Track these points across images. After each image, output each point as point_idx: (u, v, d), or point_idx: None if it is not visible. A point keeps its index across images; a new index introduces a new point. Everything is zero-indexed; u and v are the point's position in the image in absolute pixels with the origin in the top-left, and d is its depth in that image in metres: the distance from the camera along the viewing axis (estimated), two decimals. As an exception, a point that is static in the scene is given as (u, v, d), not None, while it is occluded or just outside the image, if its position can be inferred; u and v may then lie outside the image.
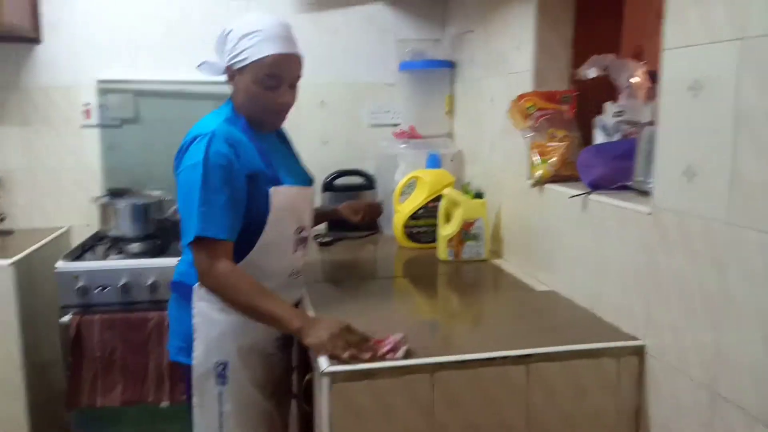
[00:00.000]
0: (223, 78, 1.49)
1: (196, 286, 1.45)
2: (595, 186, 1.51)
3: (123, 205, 2.19)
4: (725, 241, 1.05)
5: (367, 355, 1.19)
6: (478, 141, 2.22)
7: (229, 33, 1.43)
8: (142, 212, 2.20)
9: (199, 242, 1.33)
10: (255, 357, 1.50)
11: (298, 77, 1.48)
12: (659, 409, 1.23)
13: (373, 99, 2.55)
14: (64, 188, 2.43)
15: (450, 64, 2.41)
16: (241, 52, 1.40)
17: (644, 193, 1.38)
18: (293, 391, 1.76)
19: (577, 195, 1.49)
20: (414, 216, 2.10)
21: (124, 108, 2.41)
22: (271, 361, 1.57)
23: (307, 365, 1.72)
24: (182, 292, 1.49)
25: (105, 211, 2.20)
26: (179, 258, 1.59)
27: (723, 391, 1.06)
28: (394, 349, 1.21)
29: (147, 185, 2.41)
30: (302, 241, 1.57)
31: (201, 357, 1.45)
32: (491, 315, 1.57)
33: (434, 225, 2.08)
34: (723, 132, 1.05)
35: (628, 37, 1.88)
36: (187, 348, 1.47)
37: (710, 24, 1.07)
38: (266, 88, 1.42)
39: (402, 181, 2.13)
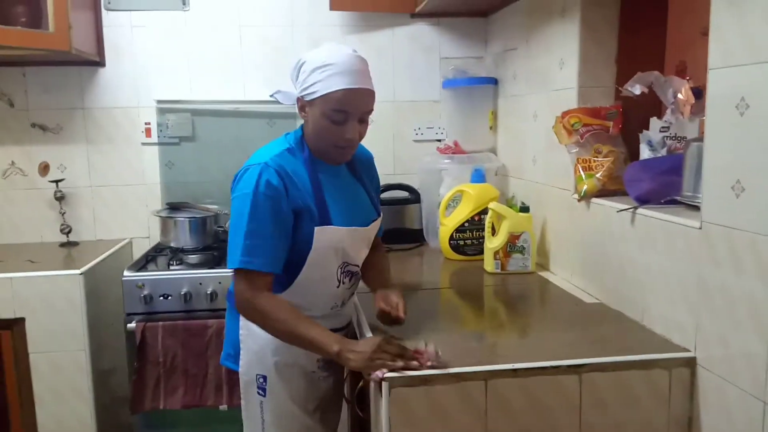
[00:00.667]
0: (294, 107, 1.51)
1: None
2: (643, 200, 1.54)
3: (182, 218, 2.30)
4: (774, 254, 1.08)
5: (413, 364, 1.25)
6: (521, 156, 2.26)
7: (302, 64, 1.44)
8: (200, 225, 2.31)
9: (240, 272, 1.39)
10: (294, 374, 1.53)
11: (368, 112, 1.47)
12: (711, 419, 1.26)
13: (417, 115, 2.63)
14: (125, 202, 2.56)
15: (493, 81, 2.47)
16: (312, 84, 1.40)
17: (692, 207, 1.41)
18: (347, 400, 1.82)
19: (625, 209, 1.53)
20: (460, 229, 2.16)
21: (182, 127, 2.54)
22: (313, 378, 1.57)
23: (360, 372, 1.79)
24: (232, 303, 1.53)
25: (165, 224, 2.32)
26: None
27: (774, 402, 1.09)
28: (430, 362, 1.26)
29: (203, 199, 2.53)
30: (348, 275, 1.55)
31: (245, 367, 1.52)
32: (541, 326, 1.61)
33: (480, 238, 2.14)
34: (771, 149, 1.08)
35: (671, 53, 1.91)
36: (235, 355, 1.55)
37: (754, 45, 1.11)
38: (334, 122, 1.41)
39: (448, 195, 2.19)
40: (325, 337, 1.36)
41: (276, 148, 1.47)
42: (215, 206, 2.46)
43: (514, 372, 1.25)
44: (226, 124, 2.58)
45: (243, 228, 1.37)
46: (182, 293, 2.06)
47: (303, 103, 1.46)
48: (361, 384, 1.71)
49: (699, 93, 1.74)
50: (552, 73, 1.98)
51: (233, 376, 1.73)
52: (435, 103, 2.62)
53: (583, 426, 1.28)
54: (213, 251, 2.32)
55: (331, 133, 1.43)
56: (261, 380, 1.51)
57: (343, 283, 1.55)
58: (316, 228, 1.43)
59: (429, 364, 1.25)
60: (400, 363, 1.25)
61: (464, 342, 1.47)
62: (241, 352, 1.53)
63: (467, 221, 2.15)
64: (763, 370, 1.11)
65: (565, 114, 1.80)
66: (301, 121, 1.51)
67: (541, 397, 1.27)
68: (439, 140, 2.61)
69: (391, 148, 2.63)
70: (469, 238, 2.16)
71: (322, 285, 1.51)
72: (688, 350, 1.32)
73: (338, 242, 1.48)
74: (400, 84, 2.62)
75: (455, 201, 2.22)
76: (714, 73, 1.23)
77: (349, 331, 1.67)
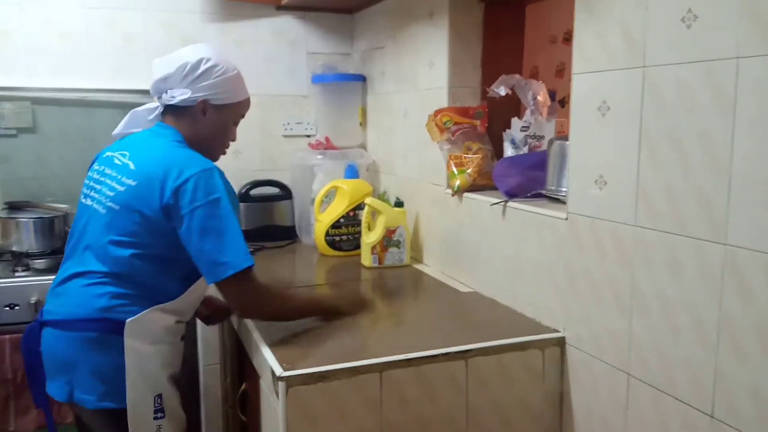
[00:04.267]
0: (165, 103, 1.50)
1: (130, 320, 1.36)
2: (511, 194, 1.66)
3: (26, 218, 2.07)
4: (632, 241, 1.22)
5: None
6: (391, 152, 2.32)
7: (211, 67, 1.46)
8: (48, 226, 2.10)
9: (246, 272, 1.36)
10: (177, 381, 1.49)
11: None
12: (580, 393, 1.39)
13: (285, 110, 2.59)
14: (-50, 202, 2.24)
15: (361, 78, 2.51)
16: (227, 90, 1.49)
17: (556, 200, 1.55)
18: (229, 406, 1.76)
19: (498, 203, 1.63)
20: (335, 225, 2.17)
21: (20, 117, 2.27)
22: (180, 380, 1.54)
23: (241, 376, 1.74)
24: (106, 329, 1.37)
25: (5, 225, 2.07)
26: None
27: (635, 373, 1.23)
28: None
29: (44, 198, 2.29)
30: None
31: (138, 396, 1.38)
32: (423, 316, 1.66)
33: (355, 233, 2.16)
34: (629, 147, 1.22)
35: (526, 58, 2.07)
36: (115, 391, 1.37)
37: (612, 53, 1.24)
38: (234, 124, 1.57)
39: (322, 191, 2.19)
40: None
41: (184, 150, 1.44)
42: (64, 205, 2.23)
43: (408, 362, 1.29)
44: (71, 113, 2.35)
45: (234, 232, 1.36)
46: (32, 302, 1.84)
47: (206, 106, 1.48)
48: (243, 387, 1.67)
49: (553, 96, 1.91)
50: (421, 72, 2.05)
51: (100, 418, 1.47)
52: (303, 98, 2.60)
53: (470, 408, 1.36)
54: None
55: (231, 136, 1.58)
56: (158, 402, 1.40)
57: None
58: None
59: None
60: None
61: (353, 336, 1.48)
62: (129, 381, 1.36)
63: (343, 217, 2.16)
64: (625, 345, 1.25)
65: (437, 112, 1.87)
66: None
67: (432, 385, 1.32)
68: (309, 136, 2.59)
69: (259, 143, 2.56)
70: (344, 233, 2.18)
71: (204, 286, 1.48)
72: (558, 330, 1.44)
73: None
74: (266, 78, 2.55)
75: (329, 197, 2.22)
76: (577, 77, 1.35)
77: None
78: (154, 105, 1.53)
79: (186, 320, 1.52)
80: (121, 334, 1.35)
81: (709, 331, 1.07)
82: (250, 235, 2.39)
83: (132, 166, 1.40)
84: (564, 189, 1.49)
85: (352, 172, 2.23)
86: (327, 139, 2.44)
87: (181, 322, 1.49)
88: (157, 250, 1.38)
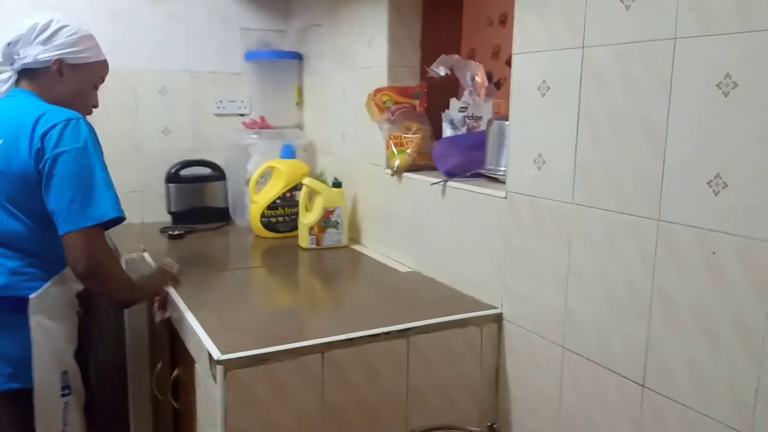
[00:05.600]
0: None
1: (33, 296, 1.35)
2: (451, 174, 1.66)
3: None
4: (571, 218, 1.25)
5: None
6: (329, 132, 2.29)
7: (63, 27, 1.44)
8: None
9: (101, 226, 1.33)
10: (76, 358, 1.47)
11: None
12: (517, 367, 1.42)
13: (217, 88, 2.49)
14: None
15: (297, 56, 2.45)
16: (83, 50, 1.46)
17: (494, 179, 1.56)
18: (158, 393, 1.70)
19: (438, 182, 1.63)
20: (271, 206, 2.11)
21: None
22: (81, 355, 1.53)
23: (173, 361, 1.67)
24: (9, 308, 1.34)
25: None
26: None
27: (571, 346, 1.26)
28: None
29: None
30: None
31: (45, 374, 1.35)
32: (363, 296, 1.65)
33: (292, 214, 2.12)
34: (568, 126, 1.24)
35: (464, 41, 2.08)
36: (20, 372, 1.34)
37: (553, 34, 1.26)
38: (95, 87, 1.54)
39: (258, 171, 2.13)
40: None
41: (51, 105, 1.41)
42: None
43: (349, 341, 1.27)
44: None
45: (101, 180, 1.33)
46: None
47: (62, 66, 1.45)
48: (175, 373, 1.61)
49: (490, 77, 1.93)
50: (360, 51, 2.02)
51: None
52: (236, 75, 2.51)
53: (411, 387, 1.36)
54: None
55: (92, 98, 1.55)
56: (64, 378, 1.37)
57: None
58: None
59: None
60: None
61: (293, 318, 1.45)
62: (36, 358, 1.33)
63: (279, 198, 2.11)
64: (562, 319, 1.28)
65: (377, 92, 1.85)
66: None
67: (373, 364, 1.31)
68: (243, 114, 2.51)
69: (189, 122, 2.46)
70: (281, 215, 2.13)
71: None
72: (496, 307, 1.46)
73: None
74: (197, 53, 2.44)
75: (265, 177, 2.16)
76: (518, 57, 1.36)
77: None
78: (6, 74, 1.49)
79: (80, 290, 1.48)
80: (25, 312, 1.33)
81: (643, 303, 1.11)
82: (180, 217, 2.32)
83: None
84: (503, 168, 1.50)
85: (288, 153, 2.18)
86: (262, 119, 2.38)
87: (78, 295, 1.47)
88: (36, 209, 1.35)
